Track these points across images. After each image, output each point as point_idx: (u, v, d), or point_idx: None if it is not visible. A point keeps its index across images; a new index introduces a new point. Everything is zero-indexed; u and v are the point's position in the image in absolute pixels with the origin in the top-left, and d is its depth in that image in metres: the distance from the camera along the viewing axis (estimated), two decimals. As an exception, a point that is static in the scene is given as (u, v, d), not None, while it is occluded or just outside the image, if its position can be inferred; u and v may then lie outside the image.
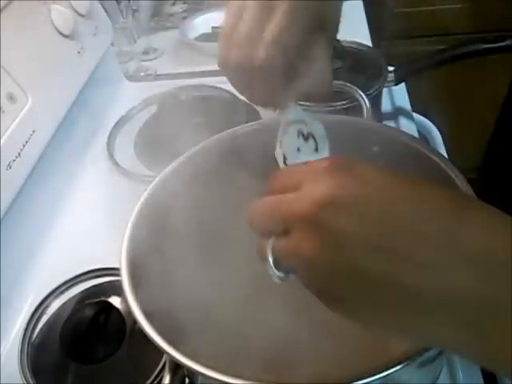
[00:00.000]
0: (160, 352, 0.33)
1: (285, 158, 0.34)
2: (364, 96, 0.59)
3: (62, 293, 0.49)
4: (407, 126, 0.72)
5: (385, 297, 0.24)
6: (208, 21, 0.98)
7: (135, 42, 0.95)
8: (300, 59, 0.37)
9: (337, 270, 0.24)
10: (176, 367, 0.35)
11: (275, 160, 0.35)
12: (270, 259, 0.28)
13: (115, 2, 0.88)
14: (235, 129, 0.50)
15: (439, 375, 0.42)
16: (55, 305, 0.49)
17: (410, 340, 0.27)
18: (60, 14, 0.65)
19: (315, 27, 0.36)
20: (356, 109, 0.59)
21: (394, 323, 0.25)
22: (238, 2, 0.35)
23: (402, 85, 0.76)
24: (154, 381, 0.43)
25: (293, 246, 0.26)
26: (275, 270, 0.28)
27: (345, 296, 0.25)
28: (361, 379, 0.29)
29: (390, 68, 0.71)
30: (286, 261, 0.27)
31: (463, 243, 0.23)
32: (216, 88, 0.77)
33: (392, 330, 0.26)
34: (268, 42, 0.34)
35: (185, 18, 1.01)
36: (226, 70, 0.36)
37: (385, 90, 0.74)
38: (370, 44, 0.80)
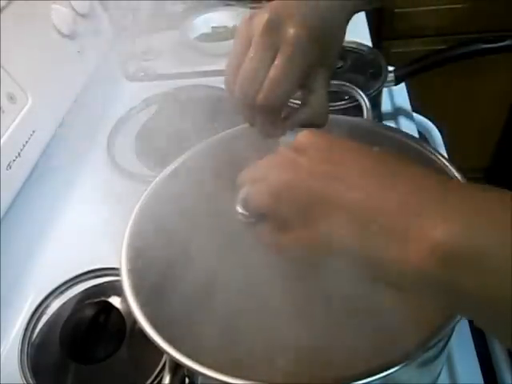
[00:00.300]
0: (160, 352, 0.33)
1: None
2: (364, 96, 0.59)
3: (62, 293, 0.49)
4: (407, 125, 0.72)
5: (320, 208, 0.29)
6: (208, 21, 0.97)
7: (135, 42, 0.95)
8: (299, 89, 0.39)
9: (294, 188, 0.30)
10: (176, 367, 0.35)
11: None
12: (241, 197, 0.34)
13: (115, 2, 0.88)
14: (235, 129, 0.50)
15: (439, 375, 0.42)
16: (55, 305, 0.49)
17: (339, 248, 0.30)
18: (60, 14, 0.65)
19: (316, 63, 0.38)
20: (356, 109, 0.59)
21: (327, 229, 0.30)
22: (247, 28, 0.37)
23: (402, 85, 0.76)
24: (154, 381, 0.43)
25: (265, 184, 0.32)
26: (242, 208, 0.34)
27: (298, 213, 0.30)
28: (361, 379, 0.29)
29: (390, 68, 0.71)
30: (256, 199, 0.33)
31: (399, 183, 0.29)
32: (216, 88, 0.77)
33: (325, 238, 0.30)
34: (268, 86, 0.36)
35: (185, 17, 1.01)
36: (231, 96, 0.39)
37: (385, 90, 0.74)
38: (370, 44, 0.80)
